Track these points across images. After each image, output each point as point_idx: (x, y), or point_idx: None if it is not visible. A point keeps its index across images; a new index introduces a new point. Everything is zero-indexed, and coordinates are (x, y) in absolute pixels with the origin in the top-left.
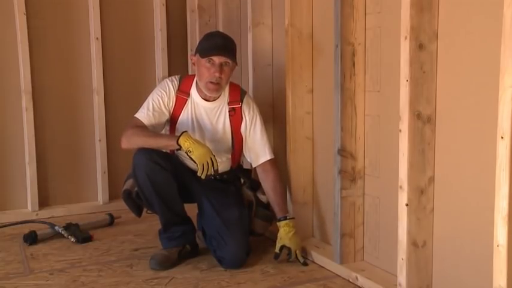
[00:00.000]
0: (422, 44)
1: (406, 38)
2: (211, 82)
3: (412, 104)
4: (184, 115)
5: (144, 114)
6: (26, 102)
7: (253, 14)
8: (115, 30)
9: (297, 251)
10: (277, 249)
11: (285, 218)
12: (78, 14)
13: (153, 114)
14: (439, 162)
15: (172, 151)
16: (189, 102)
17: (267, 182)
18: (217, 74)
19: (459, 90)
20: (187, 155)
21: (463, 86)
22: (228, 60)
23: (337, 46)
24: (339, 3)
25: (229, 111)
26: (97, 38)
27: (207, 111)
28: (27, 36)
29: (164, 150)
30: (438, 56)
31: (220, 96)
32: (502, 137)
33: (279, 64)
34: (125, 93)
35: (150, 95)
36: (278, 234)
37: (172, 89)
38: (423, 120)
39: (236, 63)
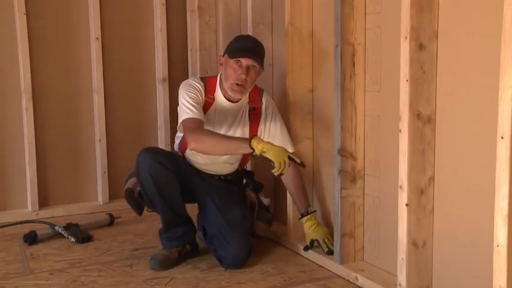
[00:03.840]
0: (422, 44)
1: (406, 38)
2: (236, 84)
3: (412, 104)
4: (209, 117)
5: (193, 114)
6: (26, 102)
7: (253, 14)
8: (115, 30)
9: (325, 240)
10: (308, 244)
11: (307, 213)
12: (78, 14)
13: (198, 110)
14: (439, 162)
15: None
16: (214, 104)
17: (288, 177)
18: (243, 76)
19: (459, 90)
20: (262, 155)
21: (463, 86)
22: (255, 64)
23: (337, 46)
24: (339, 3)
25: (249, 111)
26: (97, 38)
27: (230, 111)
28: (27, 36)
29: (234, 154)
30: (438, 56)
31: (243, 97)
32: (502, 137)
33: (279, 64)
34: (125, 93)
35: (183, 97)
36: (304, 230)
37: (202, 90)
38: (423, 120)
39: (263, 68)
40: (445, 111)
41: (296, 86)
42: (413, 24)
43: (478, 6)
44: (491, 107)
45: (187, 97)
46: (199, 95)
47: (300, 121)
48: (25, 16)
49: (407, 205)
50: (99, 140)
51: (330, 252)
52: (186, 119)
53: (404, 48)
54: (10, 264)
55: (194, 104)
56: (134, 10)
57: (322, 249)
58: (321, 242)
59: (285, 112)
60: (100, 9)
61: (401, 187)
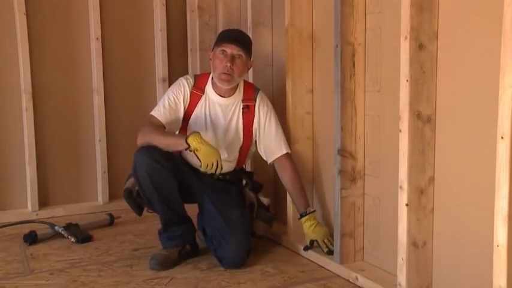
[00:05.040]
0: (422, 44)
1: (406, 38)
2: (223, 73)
3: (412, 104)
4: (198, 111)
5: (160, 112)
6: (26, 102)
7: (253, 14)
8: (115, 30)
9: (325, 240)
10: (307, 244)
11: (306, 213)
12: (78, 14)
13: (168, 111)
14: (439, 162)
15: (180, 150)
16: (203, 98)
17: (285, 177)
18: (228, 64)
19: (459, 90)
20: (194, 153)
21: (463, 86)
22: (241, 53)
23: (337, 46)
24: (339, 3)
25: (242, 108)
26: (97, 38)
27: (222, 107)
28: (27, 36)
29: (172, 150)
30: (438, 56)
31: (235, 93)
32: (502, 137)
33: (279, 64)
34: (125, 93)
35: (166, 93)
36: (303, 231)
37: (187, 86)
38: (423, 120)
39: (250, 58)
40: (445, 111)
41: (296, 86)
42: (413, 24)
43: (478, 6)
44: (491, 107)
45: (167, 96)
46: (180, 97)
47: (300, 121)
48: (25, 16)
49: (407, 205)
50: (99, 140)
51: (330, 252)
52: (151, 115)
53: (404, 48)
54: (10, 264)
55: (167, 106)
56: (134, 10)
57: (322, 250)
58: (320, 242)
59: (285, 112)
60: (100, 9)
61: (401, 187)
